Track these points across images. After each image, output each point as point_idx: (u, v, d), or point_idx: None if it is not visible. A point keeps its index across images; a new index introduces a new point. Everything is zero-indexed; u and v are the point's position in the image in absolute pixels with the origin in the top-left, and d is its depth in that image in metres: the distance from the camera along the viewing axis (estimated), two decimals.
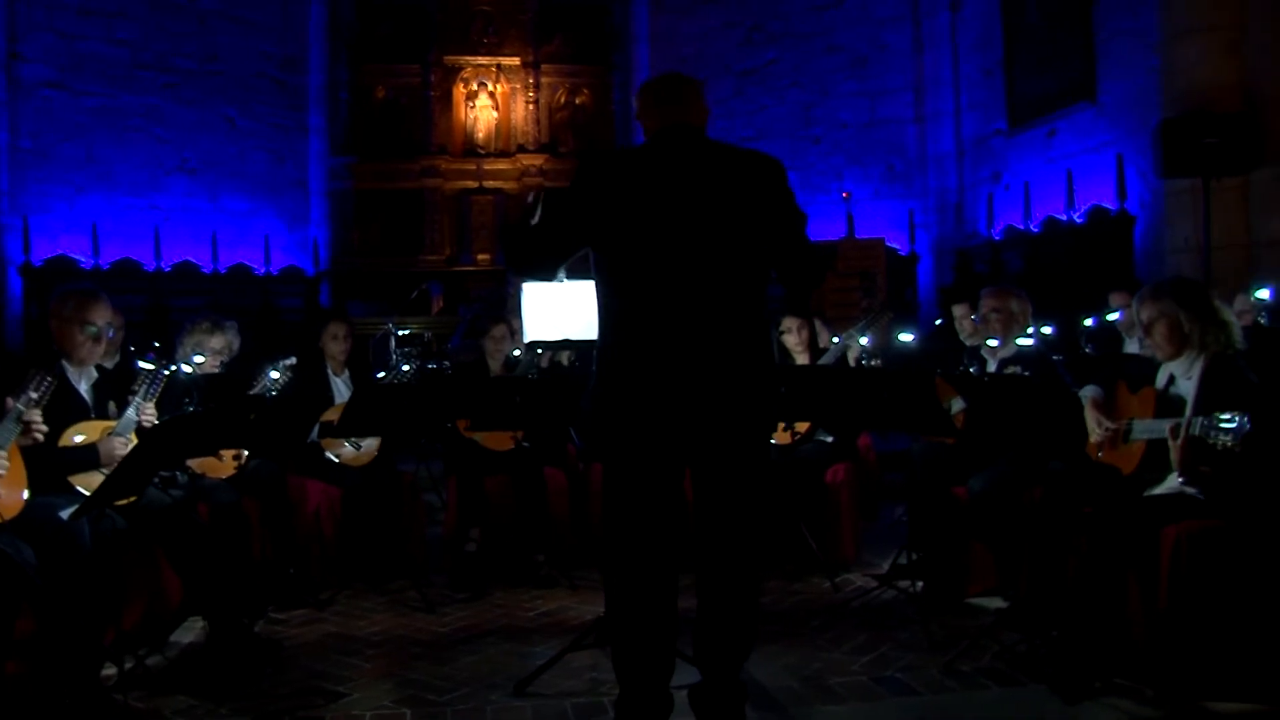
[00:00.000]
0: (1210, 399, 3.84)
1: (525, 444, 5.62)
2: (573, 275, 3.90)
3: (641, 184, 3.29)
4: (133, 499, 3.93)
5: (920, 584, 4.99)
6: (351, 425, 5.00)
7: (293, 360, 5.23)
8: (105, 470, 3.92)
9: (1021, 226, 10.90)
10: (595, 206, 3.29)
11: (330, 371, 5.71)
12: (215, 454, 4.75)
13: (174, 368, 4.41)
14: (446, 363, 7.70)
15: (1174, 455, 3.84)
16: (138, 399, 4.13)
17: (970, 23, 12.00)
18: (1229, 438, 3.59)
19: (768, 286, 3.39)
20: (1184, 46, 8.21)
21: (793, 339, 5.86)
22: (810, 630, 4.59)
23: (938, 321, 9.18)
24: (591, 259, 3.39)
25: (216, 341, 5.37)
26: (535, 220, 3.52)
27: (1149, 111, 8.58)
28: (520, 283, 4.10)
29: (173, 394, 4.56)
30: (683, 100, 3.43)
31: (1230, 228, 7.97)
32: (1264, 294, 5.84)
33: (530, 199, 3.61)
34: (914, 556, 5.13)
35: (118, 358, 5.27)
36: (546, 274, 3.61)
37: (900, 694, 3.85)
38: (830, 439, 5.77)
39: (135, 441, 3.99)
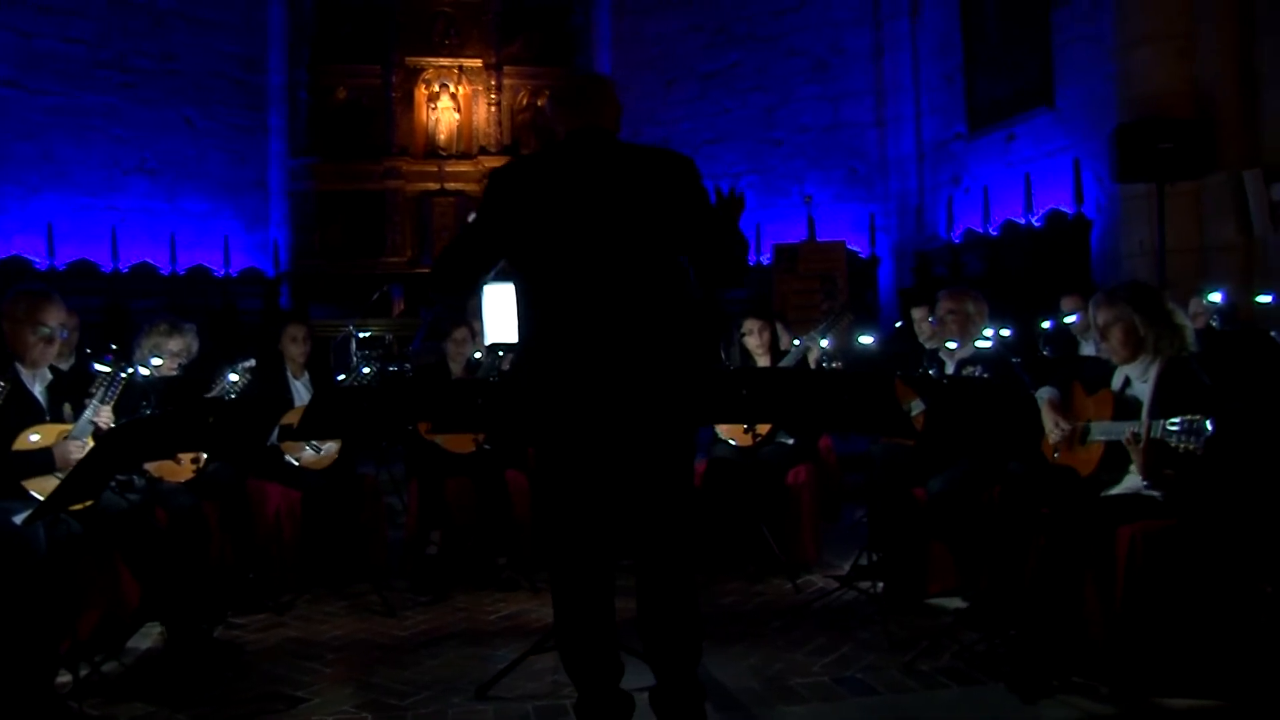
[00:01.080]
0: (1166, 401, 3.90)
1: (486, 446, 5.60)
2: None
3: (551, 188, 3.30)
4: (89, 503, 3.89)
5: (880, 584, 5.02)
6: (312, 428, 4.97)
7: (252, 362, 5.19)
8: (61, 474, 3.87)
9: (981, 230, 11.01)
10: (508, 215, 3.31)
11: (290, 374, 5.67)
12: (173, 457, 4.71)
13: (131, 370, 4.36)
14: (408, 365, 7.67)
15: (1136, 460, 3.89)
16: (95, 401, 4.09)
17: (930, 28, 12.11)
18: (1191, 440, 3.64)
19: (690, 284, 3.39)
20: (1138, 54, 8.33)
21: (754, 341, 5.89)
22: (771, 631, 4.60)
23: (897, 324, 9.24)
24: (514, 268, 3.40)
25: (175, 343, 5.32)
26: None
27: (1105, 117, 8.68)
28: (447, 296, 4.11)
29: (130, 396, 4.51)
30: (592, 102, 3.42)
31: (1184, 232, 8.10)
32: (1216, 297, 5.93)
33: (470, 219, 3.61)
34: (874, 557, 5.16)
35: (73, 359, 5.22)
36: (468, 288, 3.61)
37: (861, 694, 3.87)
38: (791, 441, 5.80)
39: (91, 445, 3.94)
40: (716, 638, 4.46)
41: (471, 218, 3.57)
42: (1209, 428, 3.61)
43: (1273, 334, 4.56)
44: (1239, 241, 7.87)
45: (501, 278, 3.83)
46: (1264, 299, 6.65)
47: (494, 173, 3.46)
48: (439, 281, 3.57)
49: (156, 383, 4.99)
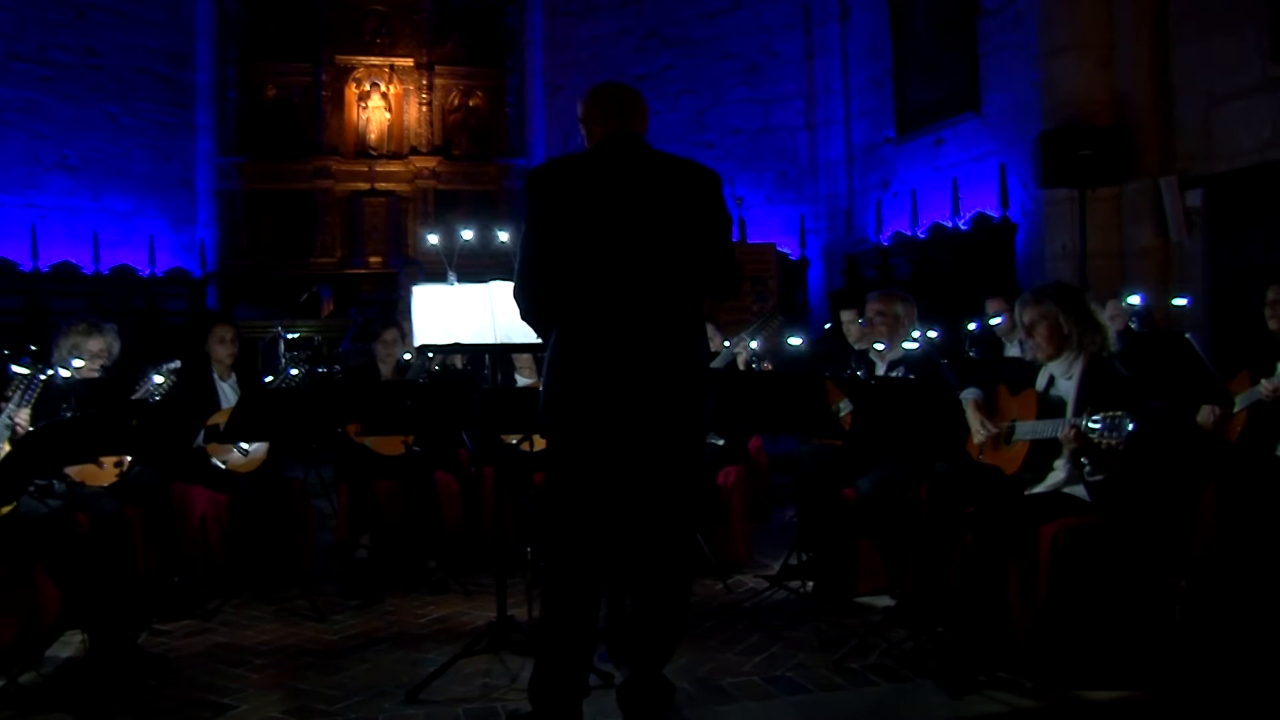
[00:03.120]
0: (1090, 398, 3.99)
1: (416, 449, 5.57)
2: (464, 278, 3.88)
3: (593, 191, 3.34)
4: (6, 509, 3.80)
5: (810, 584, 5.08)
6: (238, 430, 4.91)
7: (177, 364, 5.11)
8: None
9: (909, 233, 11.15)
10: (559, 215, 3.32)
11: (216, 375, 5.58)
12: (95, 461, 4.61)
13: (50, 372, 4.27)
14: (337, 366, 7.60)
15: (1073, 458, 3.98)
16: (11, 405, 3.99)
17: (860, 32, 12.24)
18: (1113, 436, 3.74)
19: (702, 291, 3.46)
20: (1061, 62, 8.51)
21: None
22: (703, 632, 4.62)
23: (827, 325, 9.33)
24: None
25: (95, 344, 5.20)
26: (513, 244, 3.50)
27: (1030, 123, 8.85)
28: (415, 292, 4.06)
29: (49, 399, 4.43)
30: (629, 108, 3.51)
31: (1105, 237, 8.29)
32: (1135, 300, 6.07)
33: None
34: (804, 557, 5.22)
35: None
36: (551, 305, 3.45)
37: (791, 692, 3.91)
38: (721, 442, 5.83)
39: (8, 449, 3.86)
40: None
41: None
42: (1130, 425, 3.71)
43: (1188, 336, 4.68)
44: (1156, 246, 8.07)
45: (430, 279, 3.81)
46: (1179, 302, 6.84)
47: (535, 174, 3.44)
48: (530, 302, 3.44)
49: (77, 385, 4.87)
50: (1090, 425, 3.79)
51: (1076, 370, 4.14)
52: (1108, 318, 4.70)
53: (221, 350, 5.60)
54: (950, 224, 10.48)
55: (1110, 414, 3.76)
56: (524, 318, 3.51)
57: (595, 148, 3.50)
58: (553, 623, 3.37)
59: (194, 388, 5.36)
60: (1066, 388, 4.17)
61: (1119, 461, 3.90)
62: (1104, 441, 3.78)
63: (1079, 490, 4.07)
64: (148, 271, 12.37)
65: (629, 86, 3.64)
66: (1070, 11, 8.43)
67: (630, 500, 3.38)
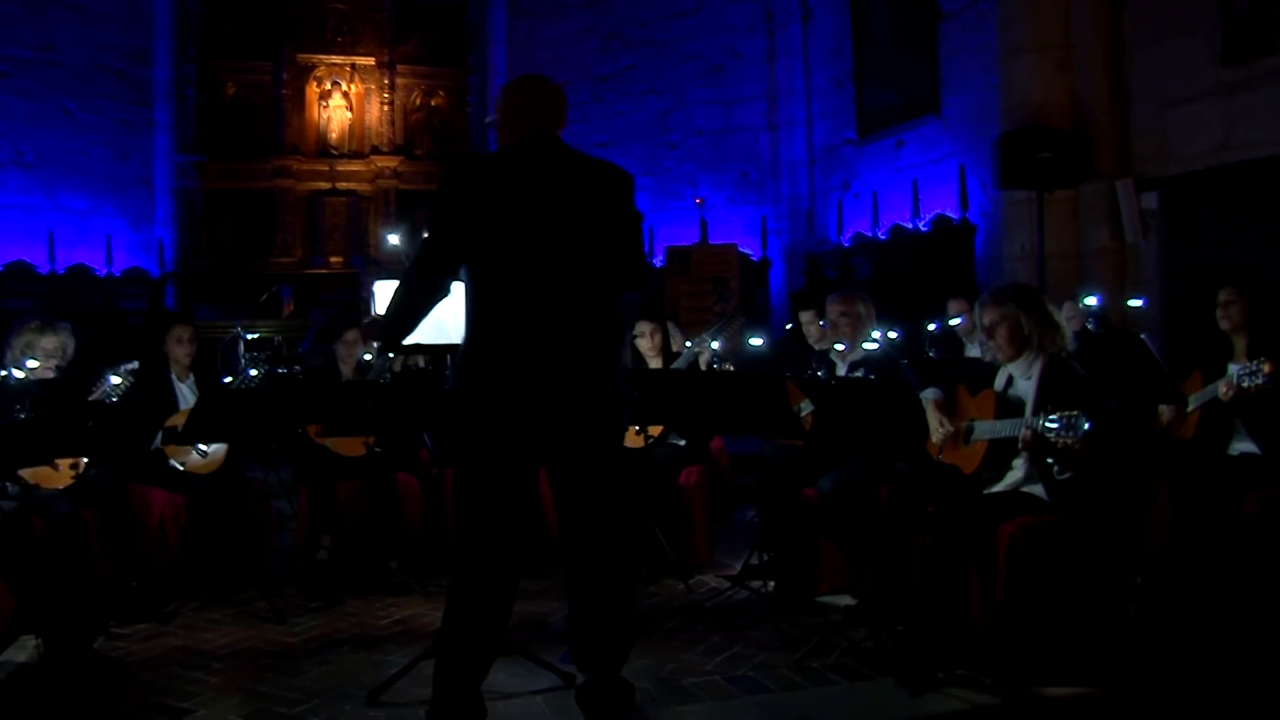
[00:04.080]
0: (1048, 397, 4.04)
1: (377, 449, 5.54)
2: None
3: (509, 189, 3.34)
4: None
5: (772, 583, 5.10)
6: (197, 431, 4.87)
7: (134, 364, 5.05)
8: None
9: (870, 234, 11.22)
10: (471, 211, 3.32)
11: (174, 376, 5.53)
12: (50, 463, 4.56)
13: (4, 372, 4.22)
14: (297, 367, 7.55)
15: (1029, 457, 4.02)
16: None
17: (821, 34, 12.29)
18: (1069, 435, 3.78)
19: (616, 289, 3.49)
20: (1020, 65, 8.58)
21: (646, 343, 5.92)
22: (665, 632, 4.63)
23: (788, 326, 9.38)
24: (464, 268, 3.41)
25: (49, 342, 5.13)
26: (402, 244, 3.51)
27: (989, 125, 8.92)
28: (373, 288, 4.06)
29: (2, 400, 4.37)
30: (547, 105, 3.51)
31: (1062, 238, 8.38)
32: (1091, 301, 6.13)
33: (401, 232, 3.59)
34: (765, 557, 5.24)
35: None
36: (443, 290, 3.49)
37: (753, 692, 3.92)
38: (683, 442, 5.85)
39: None
40: None
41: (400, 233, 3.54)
42: (1086, 425, 3.75)
43: (1143, 336, 4.74)
44: (1113, 248, 8.17)
45: (391, 277, 3.80)
46: (1135, 303, 6.92)
47: (449, 168, 3.44)
48: (419, 288, 3.47)
49: (31, 385, 4.82)
50: (1047, 425, 3.83)
51: (1035, 371, 4.19)
52: (1065, 318, 4.76)
53: (180, 351, 5.54)
54: (911, 225, 10.55)
55: (1066, 414, 3.80)
56: (401, 305, 3.49)
57: (512, 146, 3.49)
58: (456, 624, 3.35)
59: (152, 389, 5.31)
60: (1025, 388, 4.21)
61: (1083, 458, 3.95)
62: (1061, 441, 3.82)
63: (1037, 489, 4.12)
64: (105, 271, 12.22)
65: (550, 83, 3.64)
66: (1029, 15, 8.51)
67: (530, 502, 3.39)
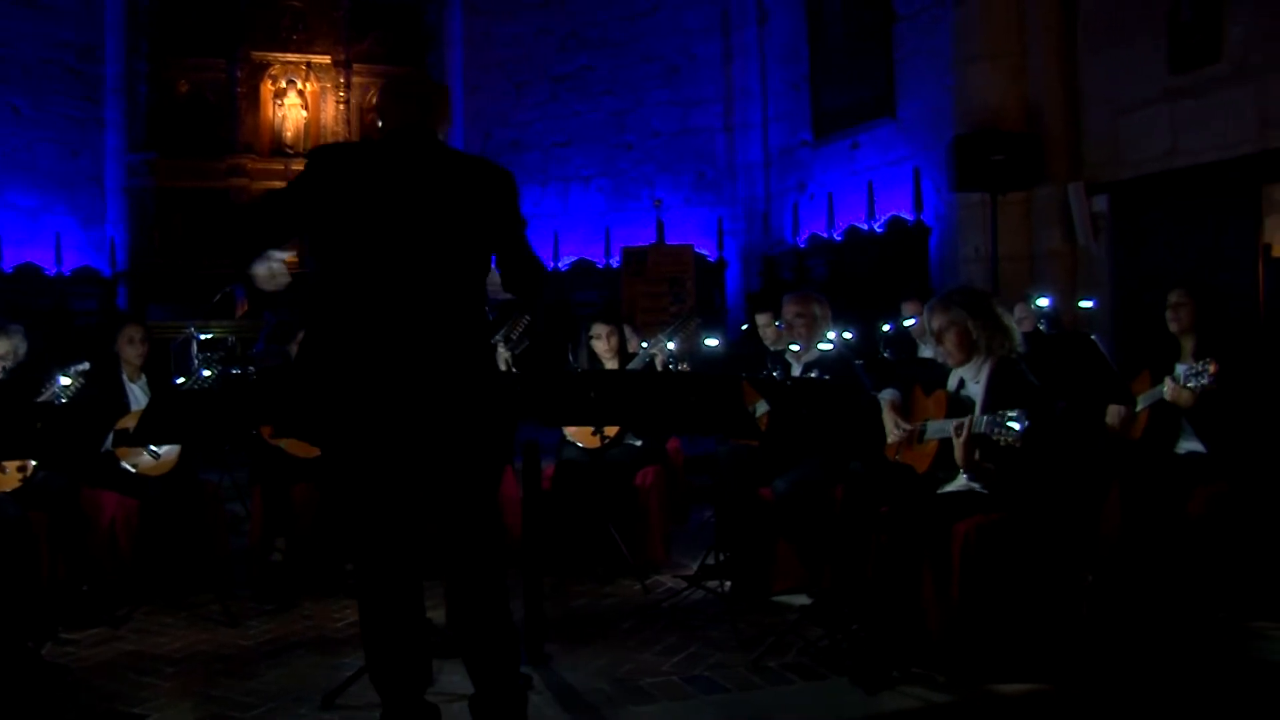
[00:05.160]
0: (996, 400, 4.09)
1: None
2: None
3: (370, 178, 3.28)
4: None
5: (728, 583, 5.11)
6: (149, 432, 4.81)
7: (85, 365, 4.99)
8: None
9: (825, 235, 11.29)
10: (320, 194, 3.26)
11: (126, 377, 5.46)
12: None
13: None
14: (251, 368, 7.48)
15: (958, 452, 4.07)
16: None
17: (777, 37, 12.36)
18: (1011, 434, 3.84)
19: (484, 294, 3.44)
20: (973, 69, 8.68)
21: (602, 345, 5.92)
22: (621, 632, 4.64)
23: (744, 326, 9.42)
24: (310, 246, 3.36)
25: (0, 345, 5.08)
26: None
27: (944, 128, 9.01)
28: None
29: None
30: (424, 102, 3.43)
31: (1015, 240, 8.49)
32: (1044, 302, 6.21)
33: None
34: (722, 557, 5.26)
35: None
36: (263, 247, 3.44)
37: (710, 692, 3.94)
38: (639, 443, 5.86)
39: None
40: (566, 640, 4.49)
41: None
42: (1024, 421, 3.80)
43: (1093, 337, 4.81)
44: (1064, 250, 8.29)
45: None
46: (1086, 304, 7.02)
47: (315, 150, 3.43)
48: (241, 240, 3.53)
49: None
50: (1006, 420, 3.87)
51: (984, 374, 4.23)
52: (1017, 320, 4.83)
53: (131, 351, 5.48)
54: (866, 227, 10.63)
55: (1001, 413, 3.86)
56: (235, 248, 3.54)
57: (384, 137, 3.45)
58: (365, 629, 3.33)
59: (102, 390, 5.24)
60: (975, 390, 4.26)
61: (997, 467, 4.00)
62: (1000, 439, 3.87)
63: (979, 484, 4.17)
64: (55, 270, 12.05)
65: (429, 80, 3.65)
66: (983, 20, 8.61)
67: (417, 504, 3.31)
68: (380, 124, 3.47)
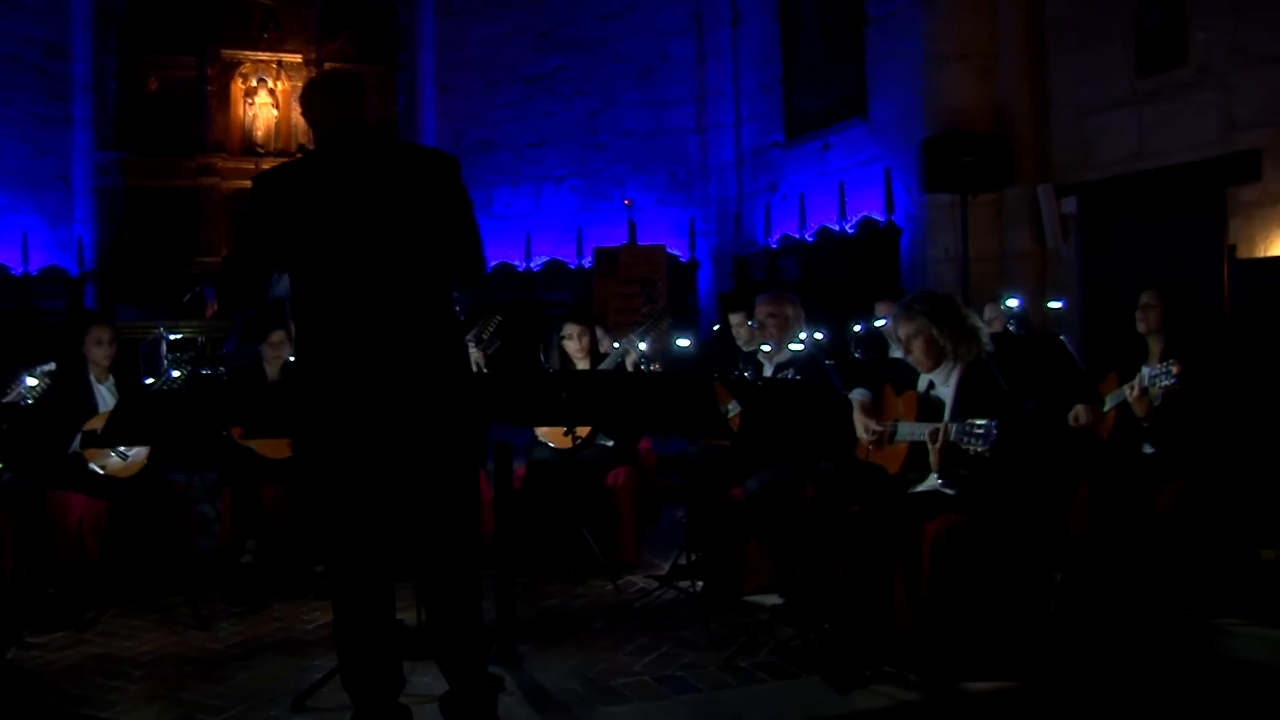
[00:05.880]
0: (966, 406, 4.12)
1: None
2: None
3: (320, 190, 3.29)
4: None
5: (700, 583, 5.12)
6: (117, 434, 4.78)
7: (52, 366, 4.95)
8: None
9: (797, 236, 11.31)
10: (277, 221, 3.28)
11: (93, 378, 5.41)
12: None
13: None
14: (221, 368, 7.43)
15: (933, 459, 4.09)
16: None
17: (751, 38, 12.38)
18: (979, 444, 3.86)
19: (450, 287, 3.46)
20: (944, 71, 8.74)
21: (573, 345, 5.92)
22: (593, 632, 4.65)
23: (715, 327, 9.43)
24: (289, 274, 3.38)
25: None
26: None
27: (914, 130, 9.04)
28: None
29: None
30: (350, 96, 3.44)
31: (985, 241, 8.55)
32: (1013, 303, 6.25)
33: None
34: (693, 557, 5.27)
35: None
36: (255, 300, 3.48)
37: (682, 692, 3.95)
38: (611, 443, 5.86)
39: None
40: (538, 640, 4.49)
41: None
42: (993, 433, 3.83)
43: (1062, 338, 4.85)
44: (1034, 251, 8.36)
45: None
46: (1055, 305, 7.08)
47: (257, 180, 3.41)
48: (229, 298, 3.55)
49: None
50: (974, 430, 3.90)
51: (954, 379, 4.26)
52: (986, 320, 4.86)
53: (99, 352, 5.43)
54: (837, 227, 10.66)
55: (974, 423, 3.89)
56: (220, 303, 3.59)
57: (322, 143, 3.45)
58: (339, 630, 3.35)
59: (70, 391, 5.20)
60: (945, 392, 4.29)
61: (970, 474, 4.04)
62: (970, 449, 3.90)
63: (952, 490, 4.20)
64: (21, 270, 11.90)
65: (354, 74, 3.64)
66: (953, 23, 8.67)
67: (392, 505, 3.34)
68: (315, 129, 3.45)
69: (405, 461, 3.30)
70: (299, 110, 3.89)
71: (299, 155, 12.52)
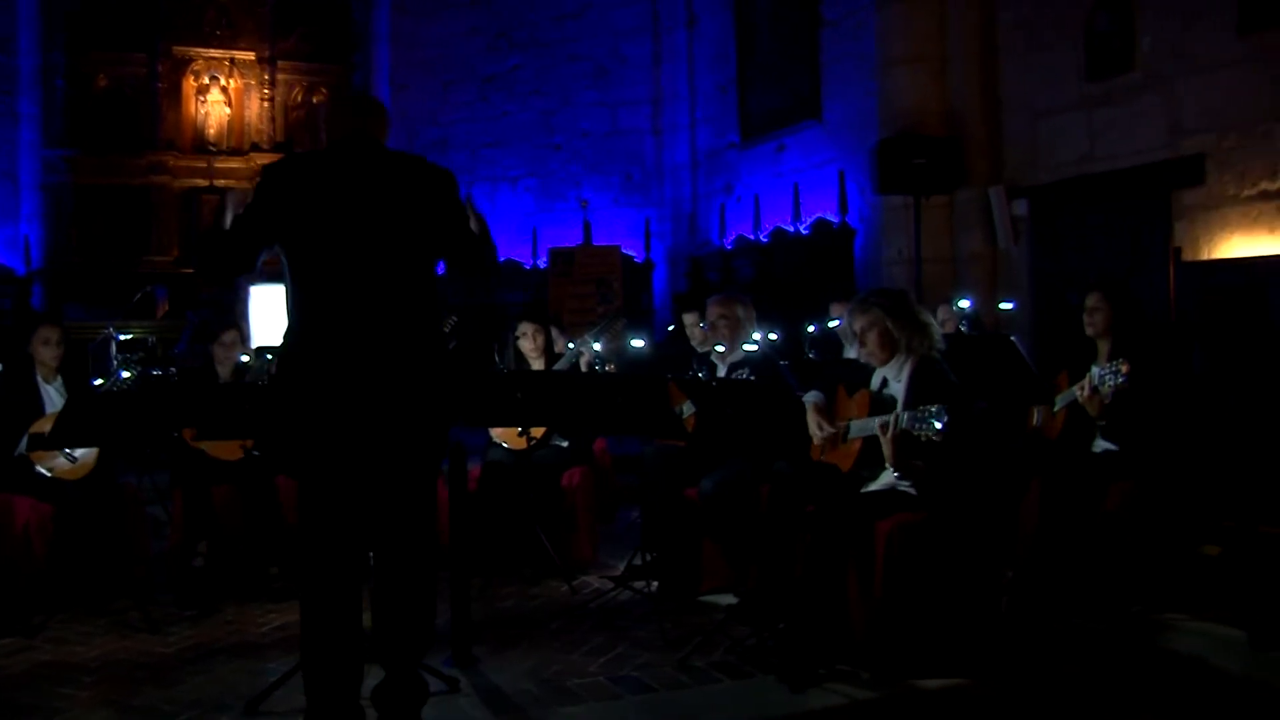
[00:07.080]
0: (918, 397, 4.15)
1: (255, 453, 5.44)
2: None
3: (324, 188, 3.41)
4: None
5: (655, 584, 5.14)
6: (65, 435, 4.71)
7: None
8: None
9: (752, 236, 11.37)
10: (281, 210, 3.39)
11: (40, 379, 5.33)
12: None
13: None
14: (173, 369, 7.36)
15: (886, 450, 4.13)
16: None
17: (706, 39, 12.43)
18: (931, 430, 3.91)
19: (437, 292, 3.56)
20: (897, 74, 8.82)
21: (528, 344, 5.91)
22: (549, 633, 4.65)
23: (670, 327, 9.46)
24: (284, 265, 3.45)
25: None
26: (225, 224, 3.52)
27: (868, 132, 9.13)
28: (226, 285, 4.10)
29: None
30: (366, 113, 3.59)
31: (938, 243, 8.64)
32: (965, 304, 6.32)
33: (220, 203, 3.65)
34: (649, 557, 5.28)
35: None
36: (234, 271, 3.61)
37: (637, 692, 3.95)
38: (565, 443, 5.87)
39: None
40: (494, 641, 4.48)
41: (229, 217, 3.51)
42: (944, 417, 3.88)
43: (1013, 339, 4.92)
44: (985, 252, 8.46)
45: (270, 280, 3.81)
46: (1006, 306, 7.17)
47: (267, 168, 3.52)
48: (210, 265, 3.69)
49: None
50: (927, 415, 3.94)
51: (906, 372, 4.30)
52: (940, 321, 4.91)
53: (46, 352, 5.35)
54: (792, 228, 10.72)
55: (923, 408, 3.94)
56: (201, 268, 3.70)
57: (329, 147, 3.61)
58: (307, 631, 3.37)
59: (15, 392, 5.13)
60: (897, 389, 4.33)
61: (926, 464, 4.09)
62: (922, 434, 3.95)
63: (909, 483, 4.24)
64: None
65: (373, 98, 3.78)
66: (906, 26, 8.75)
67: (366, 498, 3.40)
68: (327, 134, 3.62)
69: (385, 462, 3.39)
70: (303, 113, 4.09)
71: (252, 154, 12.50)
